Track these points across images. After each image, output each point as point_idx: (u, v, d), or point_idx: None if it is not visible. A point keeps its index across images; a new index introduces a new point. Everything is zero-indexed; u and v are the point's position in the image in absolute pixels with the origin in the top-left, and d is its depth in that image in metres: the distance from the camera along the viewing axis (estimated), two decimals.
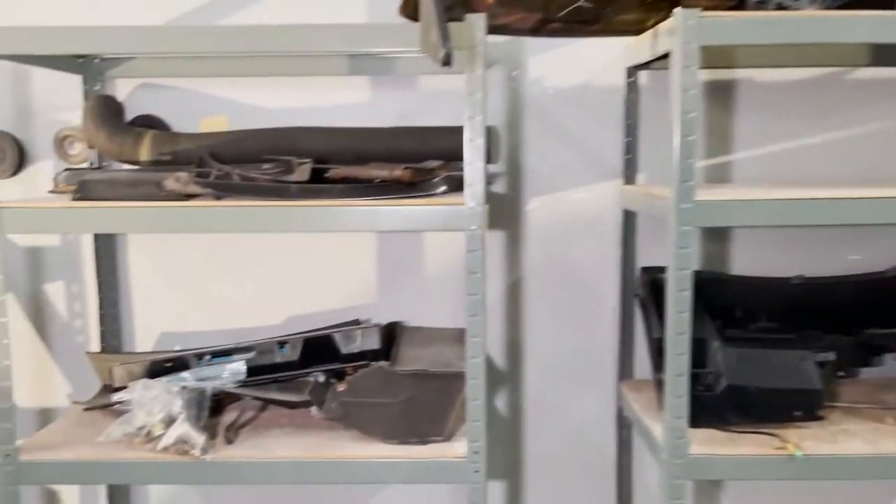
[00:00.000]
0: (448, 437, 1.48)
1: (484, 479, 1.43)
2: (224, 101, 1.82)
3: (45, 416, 1.90)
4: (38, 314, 1.90)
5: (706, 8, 1.59)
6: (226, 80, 1.81)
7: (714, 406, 1.55)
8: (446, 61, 1.13)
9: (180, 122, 1.81)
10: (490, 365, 1.88)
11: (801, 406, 1.55)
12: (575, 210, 1.85)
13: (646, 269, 1.78)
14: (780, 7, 1.51)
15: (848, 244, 1.84)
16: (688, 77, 1.32)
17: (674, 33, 1.33)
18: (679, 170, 1.35)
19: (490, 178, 1.82)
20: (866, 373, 1.79)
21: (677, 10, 1.33)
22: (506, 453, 1.92)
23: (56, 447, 1.49)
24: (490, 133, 1.73)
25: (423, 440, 1.48)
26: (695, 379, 1.60)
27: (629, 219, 1.82)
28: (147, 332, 1.89)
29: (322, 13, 1.75)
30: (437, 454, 1.45)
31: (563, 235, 1.86)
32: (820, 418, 1.54)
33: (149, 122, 1.78)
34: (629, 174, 1.80)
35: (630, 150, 1.80)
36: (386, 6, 1.67)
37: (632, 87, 1.78)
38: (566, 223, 1.86)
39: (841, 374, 1.73)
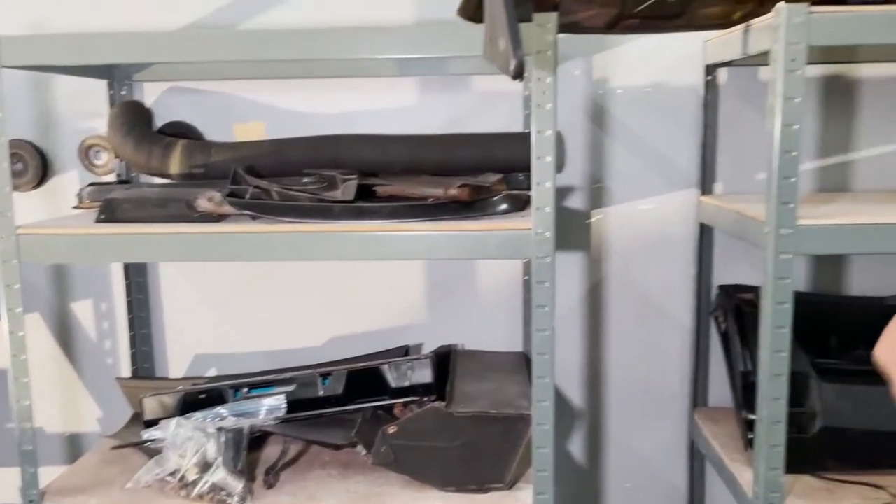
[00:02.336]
0: (510, 485, 1.33)
1: None
2: (260, 106, 1.68)
3: (73, 443, 1.79)
4: (66, 335, 1.78)
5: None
6: (262, 82, 1.66)
7: (809, 450, 1.38)
8: (519, 73, 0.96)
9: (213, 130, 1.67)
10: (563, 401, 1.72)
11: None
12: (645, 223, 1.68)
13: (724, 288, 1.61)
14: None
15: None
16: (792, 83, 1.14)
17: (777, 31, 1.14)
18: (778, 188, 1.17)
19: None
20: None
21: (781, 5, 1.14)
22: (569, 489, 1.77)
23: (83, 490, 1.37)
24: (561, 141, 1.57)
25: (483, 488, 1.33)
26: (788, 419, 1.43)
27: (706, 233, 1.64)
28: (180, 355, 1.77)
29: (365, 9, 1.59)
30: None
31: (631, 250, 1.69)
32: None
33: (179, 130, 1.65)
34: (706, 183, 1.62)
35: (707, 156, 1.62)
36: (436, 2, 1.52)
37: (711, 87, 1.59)
38: (635, 237, 1.68)
39: None
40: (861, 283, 1.66)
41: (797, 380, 1.41)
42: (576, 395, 1.75)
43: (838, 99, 1.61)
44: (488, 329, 1.71)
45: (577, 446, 1.77)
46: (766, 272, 1.21)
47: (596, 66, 1.64)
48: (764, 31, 1.21)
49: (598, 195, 1.68)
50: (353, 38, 1.22)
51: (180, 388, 1.51)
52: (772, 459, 1.25)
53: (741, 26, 1.33)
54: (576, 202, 1.68)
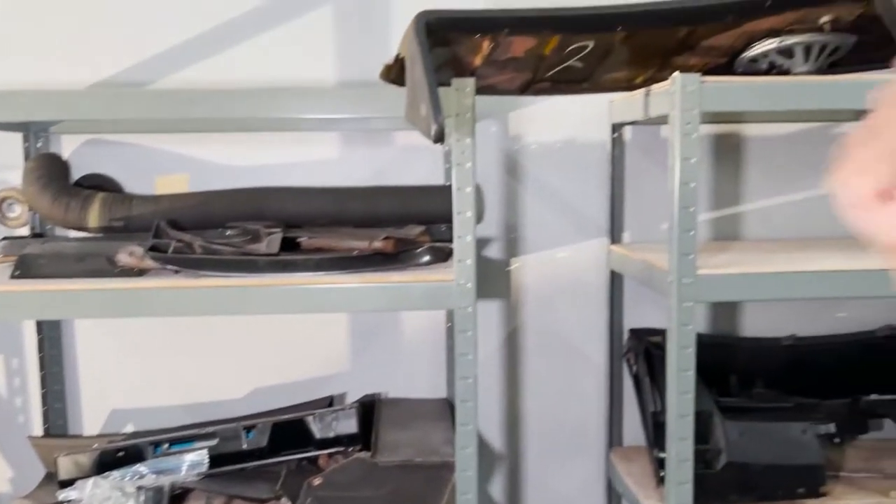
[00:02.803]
0: None
1: None
2: (183, 158, 1.68)
3: None
4: None
5: (698, 67, 1.54)
6: (184, 135, 1.67)
7: (715, 484, 1.46)
8: (439, 137, 1.02)
9: (134, 182, 1.66)
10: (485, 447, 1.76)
11: (804, 483, 1.47)
12: (560, 270, 1.76)
13: (634, 332, 1.70)
14: (773, 66, 1.45)
15: (835, 301, 1.79)
16: (688, 145, 1.24)
17: (673, 97, 1.25)
18: (678, 241, 1.26)
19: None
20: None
21: (676, 75, 1.25)
22: None
23: None
24: (480, 194, 1.63)
25: None
26: (694, 456, 1.52)
27: (616, 279, 1.73)
28: (96, 411, 1.72)
29: (290, 69, 1.64)
30: None
31: (547, 297, 1.76)
32: (823, 495, 1.47)
33: (98, 183, 1.63)
34: (615, 233, 1.72)
35: (615, 207, 1.72)
36: (357, 61, 1.58)
37: (617, 143, 1.70)
38: (551, 284, 1.76)
39: (838, 440, 1.67)
40: (757, 324, 1.78)
41: (703, 418, 1.50)
42: (496, 438, 1.79)
43: (729, 155, 1.75)
44: (412, 376, 1.75)
45: (497, 488, 1.81)
46: (670, 319, 1.30)
47: (511, 124, 1.72)
48: (662, 96, 1.32)
49: (515, 245, 1.75)
50: (281, 98, 1.26)
51: (96, 445, 1.48)
52: (681, 496, 1.32)
53: (643, 90, 1.44)
54: (495, 251, 1.75)
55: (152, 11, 1.64)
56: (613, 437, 1.76)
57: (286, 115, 1.28)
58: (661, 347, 1.58)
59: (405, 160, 1.70)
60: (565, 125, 1.73)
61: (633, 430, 1.73)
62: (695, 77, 1.24)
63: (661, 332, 1.56)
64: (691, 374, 1.30)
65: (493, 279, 1.75)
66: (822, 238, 1.72)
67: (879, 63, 1.49)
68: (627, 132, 1.71)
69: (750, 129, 1.75)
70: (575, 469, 1.80)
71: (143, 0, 1.63)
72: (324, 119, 1.61)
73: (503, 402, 1.79)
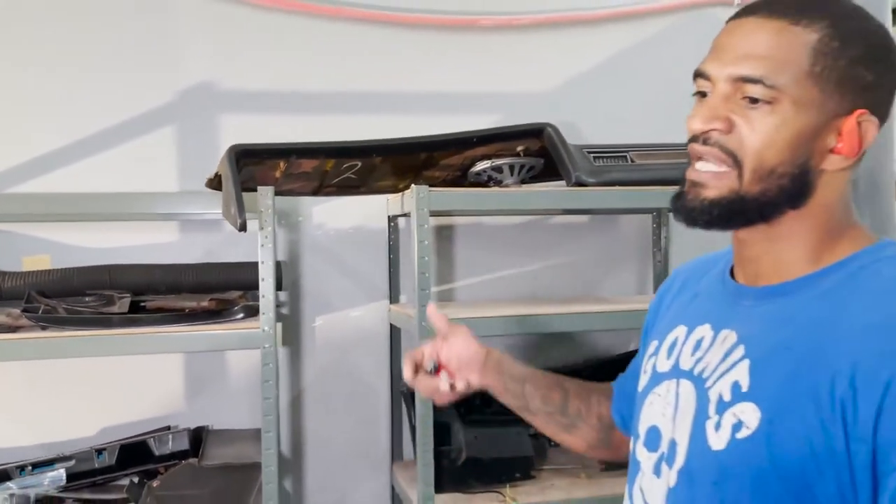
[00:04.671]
0: None
1: None
2: (46, 241, 2.10)
3: None
4: None
5: (442, 177, 2.19)
6: (46, 224, 2.10)
7: (458, 475, 2.03)
8: (242, 228, 1.56)
9: (2, 262, 2.06)
10: (282, 457, 2.23)
11: (520, 469, 2.07)
12: (354, 325, 2.31)
13: None
14: (490, 178, 2.13)
15: (555, 340, 2.45)
16: (421, 233, 1.85)
17: (411, 200, 1.87)
18: (418, 297, 1.86)
19: (282, 303, 2.24)
20: None
21: (413, 186, 1.87)
22: None
23: None
24: (281, 267, 2.17)
25: None
26: (444, 455, 2.09)
27: (394, 331, 2.31)
28: None
29: (142, 182, 2.13)
30: None
31: (344, 345, 2.30)
32: (532, 477, 2.07)
33: None
34: (393, 295, 2.31)
35: (393, 277, 2.31)
36: (193, 174, 2.10)
37: (392, 230, 2.31)
38: (347, 336, 2.31)
39: (553, 443, 2.29)
40: None
41: (449, 427, 2.08)
42: (306, 459, 2.27)
43: (450, 240, 2.40)
44: (236, 412, 2.20)
45: (295, 497, 2.28)
46: None
47: (315, 215, 2.29)
48: (407, 199, 1.93)
49: (318, 306, 2.29)
50: (137, 200, 1.76)
51: None
52: (425, 477, 1.87)
53: (401, 194, 2.06)
54: (306, 310, 2.28)
55: (21, 126, 2.08)
56: (395, 453, 2.30)
57: (142, 211, 1.78)
58: None
59: (231, 242, 2.20)
60: (356, 216, 2.31)
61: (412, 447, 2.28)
62: (424, 187, 1.86)
63: None
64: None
65: (303, 333, 2.27)
66: (520, 299, 2.39)
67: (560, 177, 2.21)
68: (401, 221, 2.33)
69: (470, 220, 2.40)
70: (366, 480, 2.31)
71: (12, 118, 2.08)
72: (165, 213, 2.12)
73: (312, 430, 2.28)
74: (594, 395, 1.20)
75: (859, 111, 0.83)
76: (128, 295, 1.85)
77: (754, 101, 0.82)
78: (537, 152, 2.12)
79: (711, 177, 0.85)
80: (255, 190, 1.77)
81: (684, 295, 1.04)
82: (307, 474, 2.28)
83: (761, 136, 0.82)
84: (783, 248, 0.87)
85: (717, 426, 0.84)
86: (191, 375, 2.20)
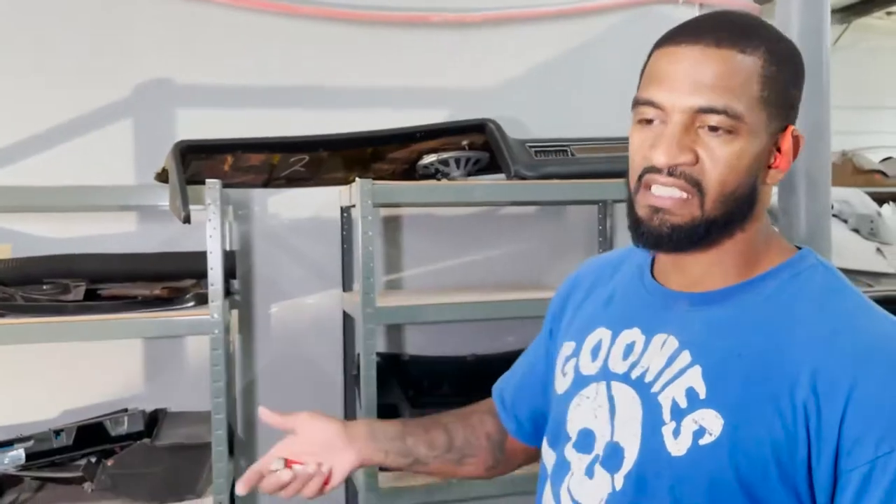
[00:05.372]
0: (200, 495, 1.91)
1: None
2: (7, 232, 2.17)
3: None
4: None
5: (390, 170, 2.27)
6: (7, 214, 2.17)
7: None
8: (186, 220, 1.65)
9: None
10: (236, 438, 2.33)
11: None
12: (309, 312, 2.40)
13: (359, 354, 2.36)
14: (438, 171, 2.21)
15: (505, 328, 2.55)
16: (366, 224, 1.94)
17: (356, 193, 1.95)
18: (363, 286, 1.95)
19: (237, 291, 2.32)
20: None
21: (357, 179, 1.96)
22: None
23: None
24: (234, 256, 2.25)
25: (181, 498, 1.90)
26: None
27: (347, 317, 2.40)
28: None
29: (101, 174, 2.20)
30: None
31: (298, 332, 2.39)
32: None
33: None
34: (346, 284, 2.40)
35: (346, 266, 2.40)
36: (151, 166, 2.17)
37: (345, 220, 2.39)
38: (302, 322, 2.40)
39: None
40: (452, 346, 2.49)
41: (396, 408, 2.18)
42: (260, 440, 2.37)
43: (398, 230, 2.49)
44: (195, 396, 2.29)
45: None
46: (359, 338, 1.97)
47: (269, 206, 2.37)
48: (353, 191, 2.02)
49: (277, 293, 2.38)
50: (96, 192, 1.84)
51: None
52: None
53: (349, 186, 2.14)
54: (262, 298, 2.37)
55: None
56: None
57: (102, 202, 1.86)
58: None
59: (188, 232, 2.27)
60: (310, 206, 2.40)
61: None
62: (368, 180, 1.95)
63: (380, 354, 2.25)
64: (373, 372, 1.96)
65: (259, 320, 2.36)
66: (469, 287, 2.49)
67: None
68: (353, 211, 2.41)
69: (420, 210, 2.50)
70: None
71: None
72: (125, 199, 2.19)
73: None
74: (474, 416, 1.21)
75: (791, 127, 0.90)
76: (83, 283, 1.93)
77: (714, 129, 0.85)
78: (483, 146, 2.21)
79: (675, 203, 0.87)
80: (203, 183, 1.85)
81: (596, 296, 1.07)
82: (261, 454, 2.36)
83: (723, 164, 0.86)
84: (723, 259, 0.91)
85: (676, 432, 0.86)
86: (151, 361, 2.29)
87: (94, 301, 1.91)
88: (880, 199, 3.88)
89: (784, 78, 0.88)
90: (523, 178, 2.09)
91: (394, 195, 2.00)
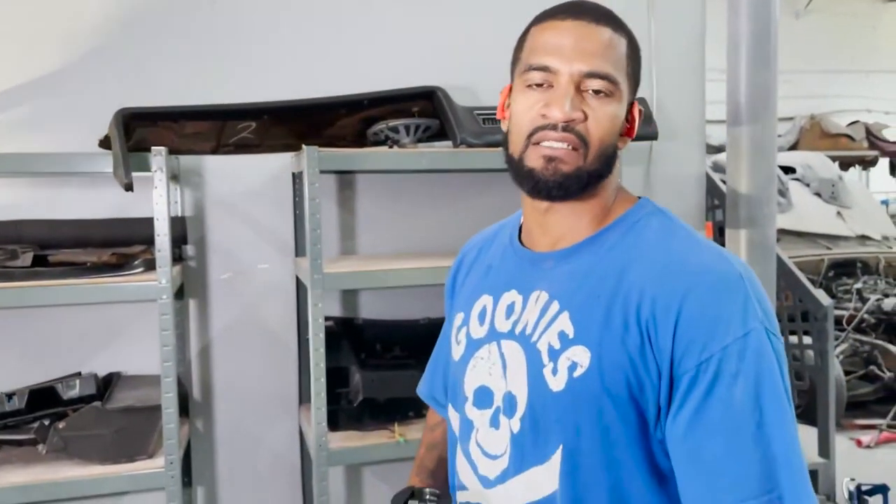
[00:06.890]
0: (151, 455, 1.97)
1: (179, 483, 1.93)
2: None
3: None
4: None
5: (340, 136, 2.30)
6: None
7: (354, 414, 2.20)
8: (128, 188, 1.67)
9: None
10: (192, 400, 2.38)
11: (414, 408, 2.24)
12: (262, 278, 2.44)
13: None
14: (388, 138, 2.24)
15: None
16: (312, 191, 1.97)
17: (303, 160, 1.98)
18: (310, 252, 1.99)
19: (191, 257, 2.35)
20: None
21: (304, 147, 1.98)
22: (206, 466, 2.42)
23: None
24: (185, 222, 2.28)
25: (133, 459, 1.95)
26: (343, 396, 2.26)
27: (300, 283, 2.44)
28: None
29: (51, 140, 2.20)
30: (141, 468, 1.93)
31: (252, 297, 2.43)
32: (423, 416, 2.24)
33: None
34: (298, 250, 2.43)
35: (298, 232, 2.43)
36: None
37: (297, 186, 2.42)
38: (256, 288, 2.43)
39: None
40: (407, 310, 2.54)
41: (348, 371, 2.24)
42: (216, 403, 2.42)
43: (352, 195, 2.51)
44: (152, 360, 2.32)
45: (218, 443, 2.43)
46: (309, 304, 2.01)
47: (220, 171, 2.38)
48: (301, 158, 2.04)
49: (230, 260, 2.41)
50: (45, 159, 1.85)
51: None
52: (318, 417, 2.02)
53: (296, 153, 2.17)
54: (215, 264, 2.39)
55: None
56: (302, 396, 2.46)
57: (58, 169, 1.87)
58: (329, 329, 2.31)
59: (140, 197, 2.29)
60: (262, 172, 2.41)
61: None
62: (314, 148, 1.97)
63: (332, 318, 2.30)
64: (321, 336, 2.01)
65: (212, 286, 2.39)
66: (413, 252, 2.52)
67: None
68: (303, 179, 2.43)
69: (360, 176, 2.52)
70: (277, 421, 2.47)
71: None
72: (73, 165, 2.20)
73: (226, 373, 2.42)
74: (437, 430, 1.33)
75: (635, 101, 1.07)
76: (31, 249, 1.95)
77: (597, 92, 1.00)
78: (433, 114, 2.24)
79: (567, 154, 1.00)
80: (149, 150, 1.87)
81: (477, 268, 1.19)
82: (218, 416, 2.42)
83: (604, 123, 1.01)
84: (581, 215, 1.06)
85: (554, 371, 0.99)
86: (107, 325, 2.31)
87: (42, 267, 1.93)
88: (847, 164, 3.94)
89: (636, 60, 1.06)
90: (470, 145, 2.12)
91: (340, 163, 2.03)
